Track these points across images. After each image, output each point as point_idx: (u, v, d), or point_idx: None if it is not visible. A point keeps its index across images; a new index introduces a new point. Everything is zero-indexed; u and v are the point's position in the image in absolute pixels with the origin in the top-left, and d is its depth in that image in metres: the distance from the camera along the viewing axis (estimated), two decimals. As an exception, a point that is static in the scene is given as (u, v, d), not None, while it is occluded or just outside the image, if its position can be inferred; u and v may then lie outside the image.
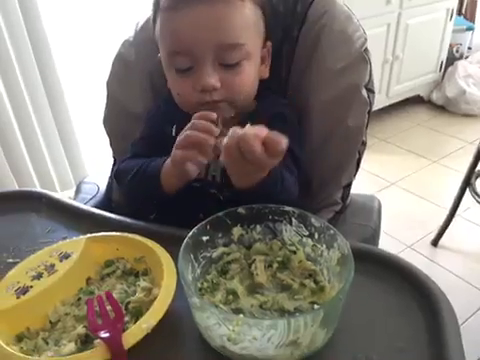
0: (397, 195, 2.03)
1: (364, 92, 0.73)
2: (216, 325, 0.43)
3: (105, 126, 0.89)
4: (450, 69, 2.68)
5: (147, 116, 0.81)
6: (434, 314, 0.49)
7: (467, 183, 1.64)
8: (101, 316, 0.48)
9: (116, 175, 0.78)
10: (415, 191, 2.05)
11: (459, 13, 2.76)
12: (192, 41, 0.64)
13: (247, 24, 0.66)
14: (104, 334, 0.44)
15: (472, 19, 2.80)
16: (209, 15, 0.62)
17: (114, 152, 0.90)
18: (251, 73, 0.69)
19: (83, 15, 1.71)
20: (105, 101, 0.88)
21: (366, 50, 0.74)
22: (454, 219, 1.71)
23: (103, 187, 0.90)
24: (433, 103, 2.74)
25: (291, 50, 0.78)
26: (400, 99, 2.63)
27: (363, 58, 0.73)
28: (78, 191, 0.90)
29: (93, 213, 0.72)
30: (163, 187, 0.65)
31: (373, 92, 0.75)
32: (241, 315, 0.47)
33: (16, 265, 0.57)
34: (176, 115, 0.74)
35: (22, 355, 0.44)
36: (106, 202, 0.86)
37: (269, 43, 0.73)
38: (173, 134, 0.75)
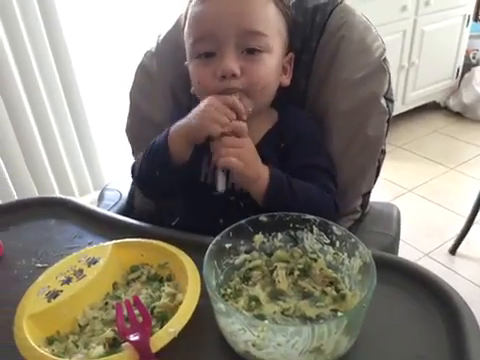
0: (414, 202, 2.02)
1: (383, 101, 0.74)
2: (241, 330, 0.44)
3: (128, 134, 0.91)
4: (467, 75, 2.66)
5: (170, 122, 0.83)
6: (455, 322, 0.50)
7: (486, 189, 1.62)
8: (129, 320, 0.49)
9: (132, 169, 0.78)
10: (432, 198, 2.03)
11: (476, 19, 2.74)
12: (216, 26, 0.67)
13: (269, 19, 0.69)
14: (133, 337, 0.46)
15: (489, 25, 2.79)
16: (234, 4, 0.66)
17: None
18: (271, 67, 0.70)
19: (103, 25, 1.76)
20: (128, 110, 0.90)
21: (385, 60, 0.75)
22: (472, 227, 1.70)
23: (125, 194, 0.92)
24: (450, 109, 2.72)
25: (310, 60, 0.79)
26: (416, 105, 2.62)
27: (382, 68, 0.74)
28: (101, 198, 0.92)
29: (117, 219, 0.74)
30: (172, 155, 0.67)
31: (392, 101, 0.75)
32: (266, 321, 0.48)
33: (45, 270, 0.59)
34: None
35: (54, 357, 0.46)
36: (128, 208, 0.88)
37: (291, 54, 0.75)
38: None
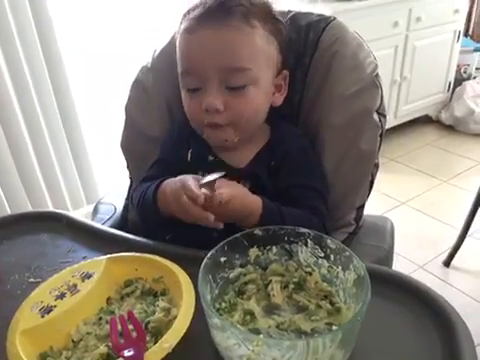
0: (407, 215, 2.03)
1: (376, 116, 0.75)
2: (236, 345, 0.44)
3: (122, 148, 0.91)
4: (458, 89, 2.70)
5: (163, 141, 0.84)
6: (450, 335, 0.50)
7: (478, 203, 1.63)
8: (123, 335, 0.49)
9: (131, 201, 0.81)
10: (425, 211, 2.04)
11: (466, 34, 2.80)
12: (199, 63, 0.67)
13: (255, 50, 0.68)
14: (128, 353, 0.45)
15: (479, 40, 2.84)
16: (216, 38, 0.66)
17: (131, 174, 0.93)
18: (257, 99, 0.70)
19: (99, 40, 1.78)
20: (123, 124, 0.91)
21: (377, 75, 0.76)
22: (466, 239, 1.70)
23: (120, 208, 0.92)
24: (442, 123, 2.76)
25: (303, 76, 0.80)
26: (409, 119, 2.65)
27: (374, 83, 0.75)
28: (96, 211, 0.92)
29: (112, 234, 0.74)
30: (160, 210, 0.68)
31: (385, 116, 0.77)
32: (261, 335, 0.48)
33: (38, 285, 0.59)
34: (191, 140, 0.77)
35: (48, 374, 0.46)
36: (123, 222, 0.88)
37: (285, 71, 0.75)
38: (189, 159, 0.78)
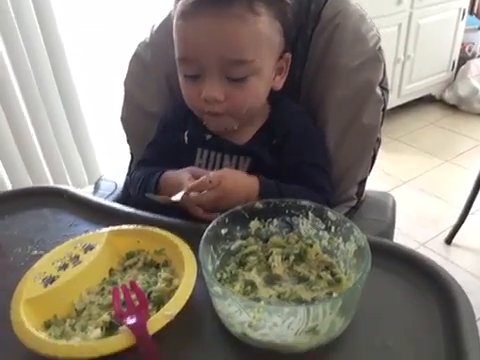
0: (410, 194, 2.03)
1: (378, 90, 0.74)
2: (237, 312, 0.45)
3: (122, 123, 0.91)
4: (462, 68, 2.67)
5: (159, 121, 0.83)
6: (450, 304, 0.50)
7: (480, 181, 1.63)
8: (126, 304, 0.50)
9: (127, 186, 0.81)
10: (428, 190, 2.04)
11: (471, 12, 2.74)
12: (199, 51, 0.64)
13: (257, 40, 0.64)
14: (130, 320, 0.46)
15: (484, 18, 2.79)
16: (217, 28, 0.61)
17: (131, 149, 0.93)
18: (258, 88, 0.68)
19: (97, 15, 1.74)
20: (123, 99, 0.90)
21: (380, 49, 0.75)
22: (467, 217, 1.71)
23: (121, 184, 0.92)
24: (445, 102, 2.73)
25: (305, 49, 0.79)
26: (412, 98, 2.62)
27: (377, 57, 0.74)
28: (97, 188, 0.92)
29: (113, 208, 0.74)
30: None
31: (387, 90, 0.76)
32: (262, 302, 0.48)
33: (41, 257, 0.59)
34: (188, 120, 0.77)
35: (52, 340, 0.46)
36: (124, 199, 0.88)
37: (288, 54, 0.72)
38: (186, 142, 0.77)
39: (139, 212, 0.71)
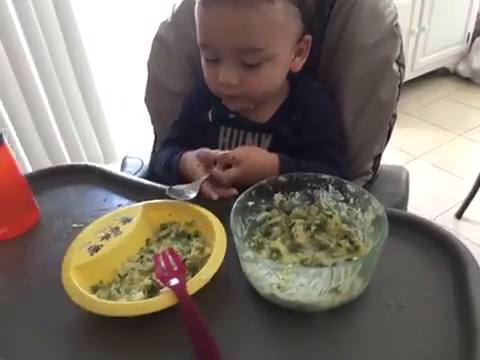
0: (422, 169, 2.05)
1: (395, 66, 0.77)
2: (267, 275, 0.50)
3: (146, 103, 0.95)
4: (477, 40, 2.63)
5: (184, 101, 0.87)
6: (460, 268, 0.54)
7: (493, 155, 1.65)
8: (166, 268, 0.55)
9: (153, 164, 0.85)
10: (440, 165, 2.06)
11: (488, -18, 2.69)
12: (215, 39, 0.68)
13: (272, 28, 0.66)
14: (173, 282, 0.51)
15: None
16: (232, 18, 0.64)
17: (155, 129, 0.97)
18: (272, 73, 0.71)
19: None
20: (146, 80, 0.94)
21: (397, 25, 0.77)
22: (478, 192, 1.73)
23: (147, 162, 0.96)
24: (459, 75, 2.71)
25: (322, 27, 0.81)
26: (426, 72, 2.60)
27: (394, 33, 0.76)
28: (124, 165, 0.97)
29: (142, 183, 0.79)
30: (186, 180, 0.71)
31: (404, 66, 0.78)
32: (290, 265, 0.53)
33: (81, 229, 0.65)
34: (212, 100, 0.80)
35: (103, 300, 0.52)
36: (150, 175, 0.93)
37: (308, 37, 0.74)
38: (210, 120, 0.81)
39: (166, 187, 0.76)
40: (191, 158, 0.72)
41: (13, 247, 0.68)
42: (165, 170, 0.79)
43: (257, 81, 0.70)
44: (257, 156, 0.71)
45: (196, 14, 0.70)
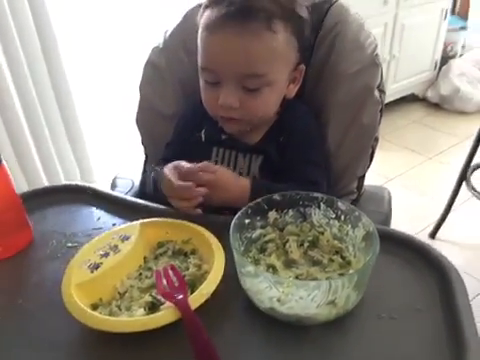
0: (395, 190, 2.07)
1: (376, 93, 0.82)
2: (267, 288, 0.52)
3: (138, 126, 0.97)
4: (444, 68, 2.78)
5: (177, 121, 0.89)
6: (445, 282, 0.58)
7: (463, 177, 1.73)
8: (168, 284, 0.56)
9: (142, 185, 0.87)
10: (412, 186, 2.13)
11: (453, 12, 2.86)
12: (218, 64, 0.71)
13: (272, 56, 0.70)
14: (177, 297, 0.53)
15: (466, 18, 2.91)
16: (236, 44, 0.68)
17: (146, 149, 0.99)
18: (270, 98, 0.75)
19: (91, 18, 1.77)
20: (138, 103, 0.96)
21: (377, 55, 0.83)
22: (450, 213, 1.80)
23: (137, 182, 0.97)
24: (428, 101, 2.84)
25: (308, 55, 0.86)
26: (396, 97, 2.72)
27: (374, 63, 0.82)
28: (114, 185, 0.98)
29: (135, 202, 0.80)
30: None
31: (384, 92, 0.84)
32: (290, 278, 0.55)
33: (76, 249, 0.65)
34: (205, 121, 0.83)
35: (106, 317, 0.53)
36: (141, 196, 0.94)
37: (302, 66, 0.78)
38: (203, 139, 0.84)
39: (161, 206, 0.78)
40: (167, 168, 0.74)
41: (7, 267, 0.67)
42: (153, 187, 0.79)
43: (256, 105, 0.73)
44: (229, 175, 0.73)
45: (199, 38, 0.73)
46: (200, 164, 0.69)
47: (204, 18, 0.72)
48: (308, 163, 0.80)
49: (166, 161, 0.85)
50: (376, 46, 0.83)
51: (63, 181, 1.90)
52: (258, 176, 0.81)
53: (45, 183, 1.83)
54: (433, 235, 1.83)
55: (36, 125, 1.71)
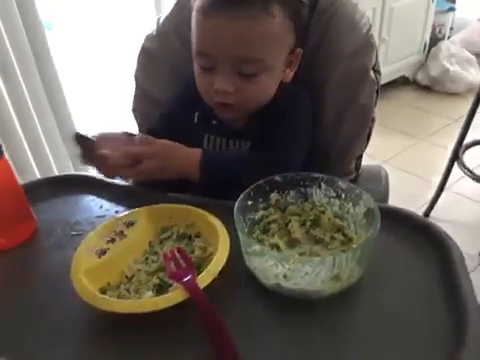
0: (388, 172, 2.13)
1: (372, 73, 0.83)
2: (273, 266, 0.53)
3: (134, 114, 0.97)
4: (434, 49, 2.80)
5: (171, 97, 0.88)
6: (444, 253, 0.60)
7: (455, 157, 1.76)
8: (175, 266, 0.58)
9: None
10: (405, 168, 2.16)
11: (440, -6, 2.87)
12: (213, 49, 0.69)
13: (270, 40, 0.68)
14: (186, 278, 0.54)
15: (453, 0, 2.92)
16: (232, 28, 0.66)
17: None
18: (267, 84, 0.73)
19: (83, 12, 1.76)
20: (133, 91, 0.96)
21: (371, 35, 0.83)
22: (443, 193, 1.84)
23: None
24: (418, 83, 2.86)
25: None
26: (387, 81, 2.73)
27: (370, 43, 0.82)
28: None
29: (136, 190, 0.81)
30: None
31: (379, 73, 0.84)
32: (296, 255, 0.57)
33: (81, 237, 0.66)
34: (199, 103, 0.81)
35: (117, 299, 0.54)
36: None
37: (299, 50, 0.76)
38: (195, 121, 0.84)
39: (161, 192, 0.78)
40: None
41: (14, 257, 0.68)
42: None
43: (252, 91, 0.72)
44: (175, 146, 0.72)
45: (193, 22, 0.71)
46: (138, 136, 0.70)
47: (198, 1, 0.70)
48: (281, 142, 0.77)
49: (157, 132, 0.80)
50: (370, 26, 0.83)
51: (56, 172, 1.90)
52: None
53: (38, 175, 1.83)
54: (427, 215, 1.86)
55: (27, 118, 1.70)
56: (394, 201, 1.94)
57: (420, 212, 1.88)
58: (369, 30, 0.82)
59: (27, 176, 1.77)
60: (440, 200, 1.85)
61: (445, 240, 0.62)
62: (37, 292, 0.62)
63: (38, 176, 1.83)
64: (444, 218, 1.85)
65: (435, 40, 2.83)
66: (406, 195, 1.97)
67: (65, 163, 1.88)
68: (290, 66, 0.78)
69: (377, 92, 0.84)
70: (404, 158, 2.25)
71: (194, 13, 0.71)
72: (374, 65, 0.83)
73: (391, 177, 2.13)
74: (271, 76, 0.73)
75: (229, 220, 0.60)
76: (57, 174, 1.87)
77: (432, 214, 1.87)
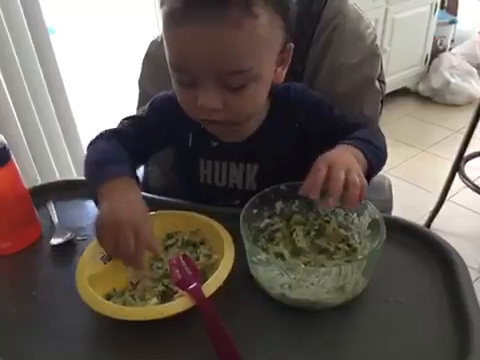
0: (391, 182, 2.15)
1: (377, 83, 0.83)
2: (279, 275, 0.53)
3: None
4: (435, 61, 2.81)
5: (153, 100, 0.79)
6: (448, 265, 0.60)
7: (456, 168, 1.76)
8: (181, 273, 0.57)
9: (89, 146, 0.74)
10: (407, 179, 2.15)
11: (441, 7, 2.89)
12: (192, 62, 0.58)
13: (256, 46, 0.58)
14: (192, 286, 0.54)
15: (454, 13, 2.94)
16: (210, 37, 0.55)
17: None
18: (258, 93, 0.64)
19: (86, 14, 1.77)
20: (138, 98, 0.97)
21: (377, 45, 0.83)
22: (444, 204, 1.83)
23: (140, 175, 0.98)
24: (419, 94, 2.87)
25: (306, 47, 0.86)
26: (388, 91, 2.73)
27: (375, 53, 0.83)
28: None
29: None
30: None
31: (384, 83, 0.85)
32: (302, 265, 0.57)
33: (85, 241, 0.66)
34: (194, 123, 0.70)
35: (121, 306, 0.54)
36: (144, 190, 0.94)
37: (290, 45, 0.66)
38: (190, 144, 0.75)
39: (166, 199, 0.78)
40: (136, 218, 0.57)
41: (19, 261, 0.68)
42: (93, 166, 0.67)
43: (242, 104, 0.62)
44: (338, 153, 0.63)
45: (163, 28, 0.59)
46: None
47: (166, 3, 0.57)
48: (351, 120, 0.75)
49: (127, 139, 0.72)
50: (375, 36, 0.84)
51: (56, 173, 1.90)
52: (255, 187, 0.75)
53: (39, 180, 1.83)
54: (428, 226, 1.86)
55: (29, 123, 1.70)
56: (395, 211, 1.95)
57: (421, 223, 1.87)
58: (374, 40, 0.83)
59: (27, 177, 1.78)
60: (441, 211, 1.85)
61: (450, 253, 0.62)
62: (42, 297, 0.61)
63: (38, 177, 1.84)
64: (445, 229, 1.84)
65: (436, 52, 2.84)
66: (407, 205, 1.97)
67: (65, 163, 1.89)
68: (282, 64, 0.67)
69: (382, 102, 0.85)
70: (405, 169, 2.25)
71: (163, 19, 0.58)
72: (379, 75, 0.84)
73: (393, 187, 2.15)
74: (261, 84, 0.63)
75: (233, 227, 0.60)
76: (58, 176, 1.89)
77: (433, 225, 1.87)
